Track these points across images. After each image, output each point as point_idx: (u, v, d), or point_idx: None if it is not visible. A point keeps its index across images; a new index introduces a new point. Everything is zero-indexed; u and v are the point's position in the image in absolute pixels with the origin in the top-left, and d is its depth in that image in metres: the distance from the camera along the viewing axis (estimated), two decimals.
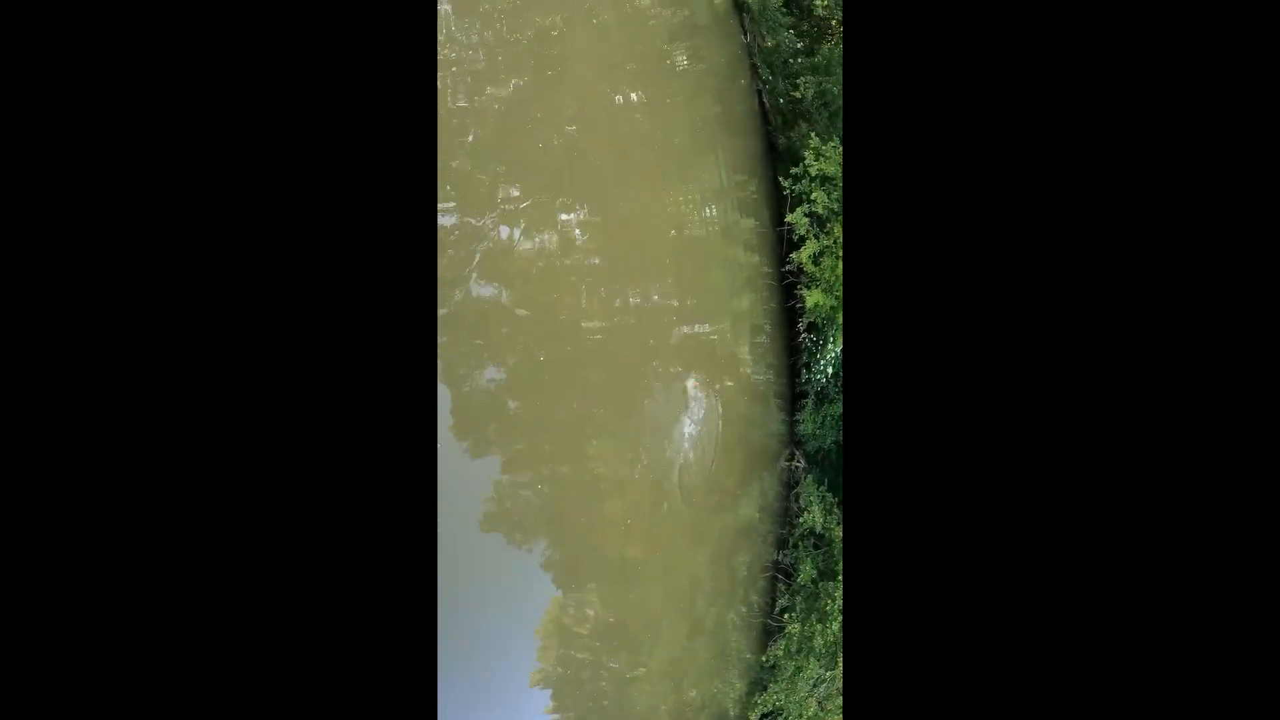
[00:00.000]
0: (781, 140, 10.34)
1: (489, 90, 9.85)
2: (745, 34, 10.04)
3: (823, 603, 9.01)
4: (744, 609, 9.79)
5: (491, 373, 9.95)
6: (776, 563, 10.00)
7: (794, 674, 8.89)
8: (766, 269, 10.97)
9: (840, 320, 9.51)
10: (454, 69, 9.65)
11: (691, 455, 10.15)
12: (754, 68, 10.09)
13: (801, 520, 9.88)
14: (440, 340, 9.68)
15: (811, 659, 8.75)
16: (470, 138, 9.65)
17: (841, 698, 9.06)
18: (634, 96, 10.40)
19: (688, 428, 10.23)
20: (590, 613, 9.43)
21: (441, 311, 9.78)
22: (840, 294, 9.46)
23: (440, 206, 9.69)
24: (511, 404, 9.99)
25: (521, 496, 9.66)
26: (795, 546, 9.87)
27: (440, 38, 9.31)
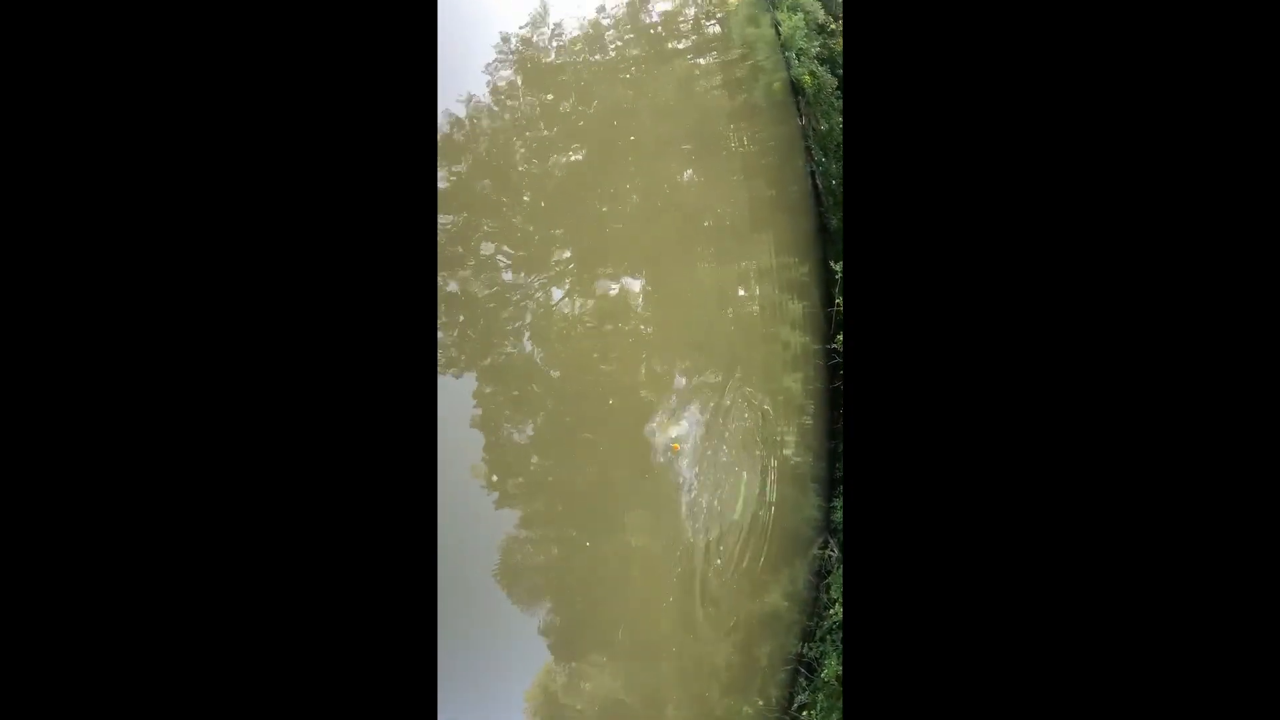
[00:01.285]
0: (833, 221, 10.43)
1: (553, 157, 10.45)
2: (801, 117, 10.40)
3: None
4: (760, 702, 8.93)
5: (522, 428, 9.97)
6: (800, 655, 9.19)
7: None
8: (814, 349, 10.80)
9: None
10: (526, 134, 10.36)
11: (721, 535, 9.72)
12: (808, 150, 10.38)
13: (831, 612, 9.15)
14: (484, 390, 9.90)
15: None
16: (526, 198, 10.15)
17: None
18: (691, 174, 10.81)
19: (718, 505, 9.85)
20: (588, 685, 8.84)
21: (485, 362, 10.03)
22: None
23: (500, 260, 10.17)
24: (537, 460, 9.93)
25: (531, 554, 9.39)
26: (822, 640, 9.08)
27: (512, 102, 10.06)
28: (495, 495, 9.60)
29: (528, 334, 10.01)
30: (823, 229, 10.74)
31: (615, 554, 9.50)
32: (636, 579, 9.49)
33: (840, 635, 8.88)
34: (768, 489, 9.96)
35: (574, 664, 8.87)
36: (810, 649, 9.17)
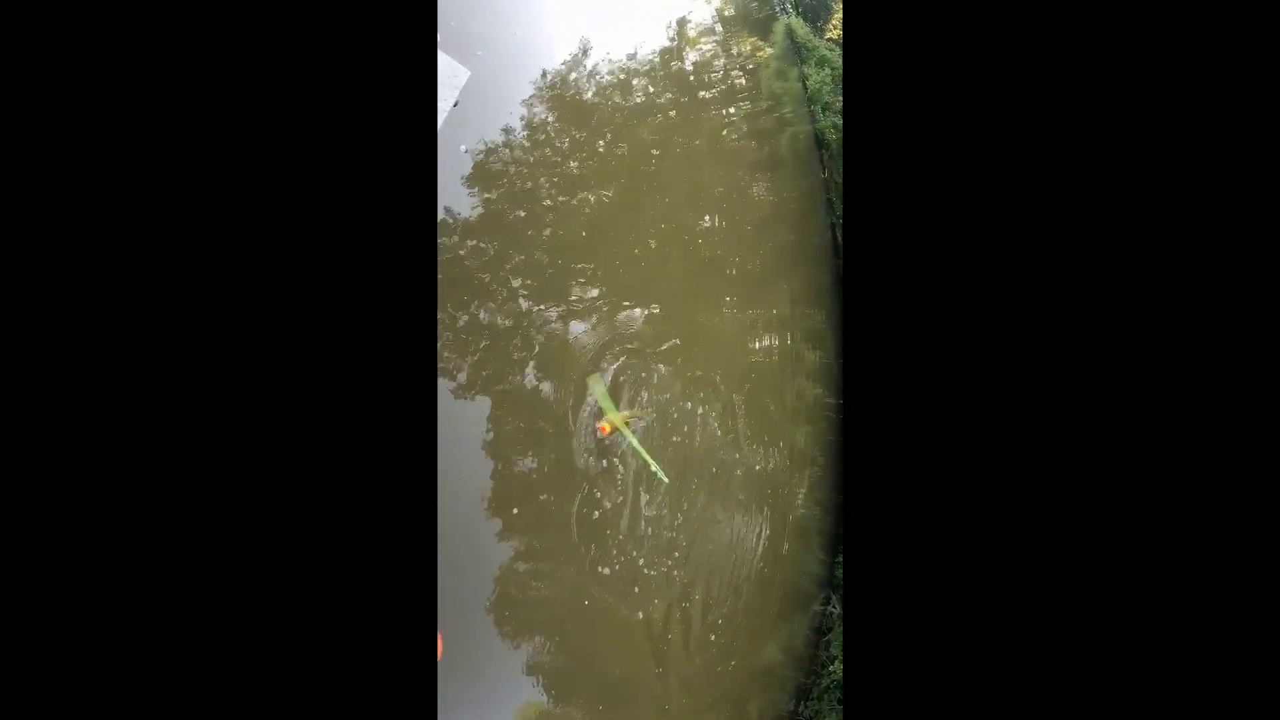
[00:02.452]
0: None
1: (579, 194, 10.63)
2: (824, 170, 10.54)
3: None
4: None
5: (527, 461, 9.91)
6: (794, 714, 8.88)
7: None
8: (827, 401, 10.72)
9: None
10: (554, 171, 10.57)
11: (718, 583, 9.52)
12: (829, 202, 10.48)
13: (830, 671, 8.86)
14: (494, 414, 9.89)
15: None
16: (547, 233, 10.29)
17: None
18: (715, 220, 10.93)
19: (718, 552, 9.68)
20: None
21: (499, 388, 10.04)
22: None
23: (520, 292, 10.27)
24: (541, 496, 9.83)
25: (528, 588, 9.22)
26: (818, 700, 8.79)
27: (545, 138, 10.28)
28: (498, 524, 9.53)
29: (537, 366, 10.04)
30: (840, 281, 10.77)
31: (607, 596, 9.32)
32: (625, 624, 9.28)
33: (838, 694, 8.60)
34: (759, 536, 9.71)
35: (559, 707, 8.61)
36: (806, 708, 8.86)
